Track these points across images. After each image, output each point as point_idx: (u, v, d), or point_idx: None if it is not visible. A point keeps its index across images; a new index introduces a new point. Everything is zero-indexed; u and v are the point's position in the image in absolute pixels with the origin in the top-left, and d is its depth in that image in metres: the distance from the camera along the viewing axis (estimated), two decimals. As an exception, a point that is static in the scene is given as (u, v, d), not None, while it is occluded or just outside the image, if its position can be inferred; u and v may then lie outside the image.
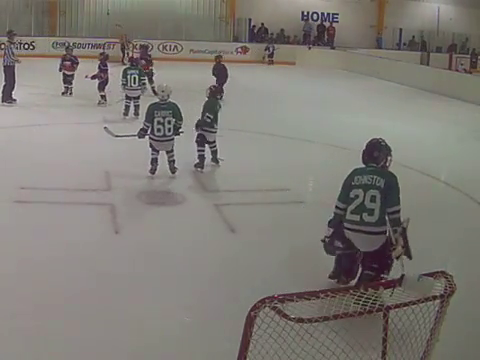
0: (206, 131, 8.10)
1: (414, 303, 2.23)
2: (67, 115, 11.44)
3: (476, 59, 24.88)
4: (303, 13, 26.46)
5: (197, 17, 25.10)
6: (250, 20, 25.80)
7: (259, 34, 25.67)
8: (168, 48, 23.84)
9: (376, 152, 4.73)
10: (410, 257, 4.42)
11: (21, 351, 3.74)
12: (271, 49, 24.48)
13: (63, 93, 13.07)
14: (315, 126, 11.55)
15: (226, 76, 13.94)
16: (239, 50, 24.95)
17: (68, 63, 12.91)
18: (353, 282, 4.61)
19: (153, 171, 7.59)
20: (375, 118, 12.84)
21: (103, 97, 12.46)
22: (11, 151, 8.48)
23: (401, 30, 26.65)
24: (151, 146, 7.56)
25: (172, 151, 7.63)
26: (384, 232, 4.47)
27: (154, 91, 12.16)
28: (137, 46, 19.60)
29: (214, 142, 8.26)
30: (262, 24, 25.53)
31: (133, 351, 3.86)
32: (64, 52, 13.91)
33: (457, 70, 22.10)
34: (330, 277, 4.79)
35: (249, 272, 5.08)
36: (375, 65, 21.38)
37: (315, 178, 8.64)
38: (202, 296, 4.61)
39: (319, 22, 26.52)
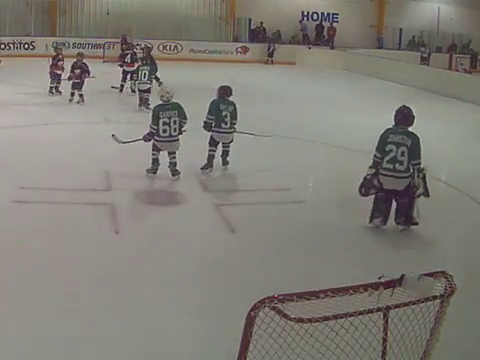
0: (215, 132, 7.97)
1: (414, 303, 2.22)
2: (67, 115, 11.44)
3: (476, 59, 24.88)
4: (303, 13, 26.48)
5: (197, 17, 25.11)
6: (250, 20, 25.81)
7: (259, 34, 25.64)
8: (168, 48, 23.84)
9: (408, 118, 6.11)
10: (428, 195, 6.07)
11: (21, 351, 3.74)
12: (271, 49, 24.49)
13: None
14: (315, 126, 11.56)
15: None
16: (239, 50, 24.97)
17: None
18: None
19: (155, 171, 7.58)
20: (375, 118, 12.78)
21: (81, 96, 12.45)
22: (11, 151, 8.48)
23: (401, 30, 26.66)
24: (155, 147, 7.55)
25: (175, 152, 7.61)
26: (409, 177, 5.98)
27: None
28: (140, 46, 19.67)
29: (229, 143, 8.08)
30: (261, 23, 25.52)
31: (133, 351, 3.86)
32: (55, 52, 13.73)
33: (457, 70, 22.10)
34: (370, 221, 6.25)
35: (249, 272, 5.08)
36: (375, 65, 21.38)
37: (315, 178, 8.64)
38: (202, 296, 4.61)
39: (318, 22, 26.52)
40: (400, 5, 26.49)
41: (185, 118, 7.62)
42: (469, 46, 26.70)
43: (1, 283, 4.61)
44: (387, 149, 5.98)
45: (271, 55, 24.53)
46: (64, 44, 21.99)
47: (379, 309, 2.19)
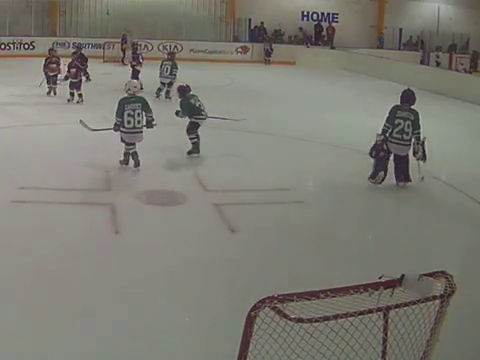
0: (198, 119, 8.82)
1: (414, 303, 2.22)
2: (67, 115, 11.43)
3: (476, 60, 24.84)
4: (303, 13, 26.46)
5: (197, 17, 25.09)
6: (250, 20, 25.79)
7: (259, 33, 25.63)
8: (168, 48, 23.81)
9: (411, 98, 7.70)
10: (425, 160, 7.66)
11: (21, 351, 3.74)
12: (267, 48, 24.49)
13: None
14: (315, 126, 11.55)
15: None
16: (239, 50, 24.96)
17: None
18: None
19: (127, 162, 7.92)
20: (375, 118, 12.75)
21: (80, 96, 12.49)
22: (11, 151, 8.48)
23: (401, 30, 26.64)
24: (122, 140, 7.90)
25: (134, 144, 7.90)
26: (411, 144, 7.56)
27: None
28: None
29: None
30: (261, 23, 25.51)
31: (133, 351, 3.86)
32: (48, 53, 13.66)
33: (457, 70, 22.09)
34: (370, 178, 7.64)
35: (249, 272, 5.08)
36: (375, 65, 21.37)
37: (315, 178, 8.63)
38: (202, 296, 4.61)
39: (318, 22, 26.49)
40: (400, 5, 26.46)
41: (150, 112, 8.01)
42: (468, 46, 26.64)
43: (1, 283, 4.61)
44: (396, 122, 7.51)
45: (268, 55, 24.50)
46: (64, 44, 22.03)
47: (379, 309, 2.18)
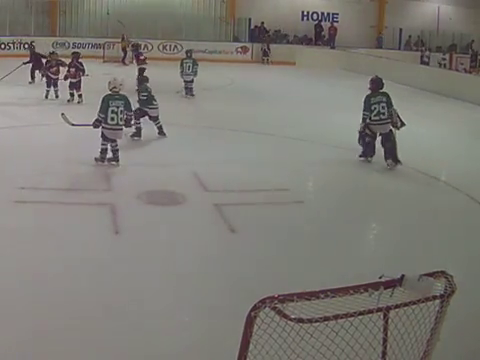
0: (148, 108, 9.63)
1: (414, 303, 2.22)
2: (67, 115, 11.41)
3: (476, 59, 24.83)
4: (303, 13, 26.46)
5: (197, 17, 25.11)
6: (250, 20, 25.79)
7: (259, 33, 25.63)
8: (168, 48, 23.85)
9: (380, 84, 8.84)
10: (404, 124, 8.71)
11: (21, 351, 3.74)
12: (264, 48, 24.48)
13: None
14: (315, 126, 11.55)
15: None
16: (239, 50, 24.96)
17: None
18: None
19: (103, 160, 8.03)
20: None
21: (80, 96, 12.47)
22: (11, 151, 8.48)
23: (401, 30, 26.65)
24: (103, 136, 7.98)
25: (116, 141, 8.06)
26: (390, 122, 8.60)
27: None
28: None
29: (158, 117, 9.72)
30: (262, 23, 25.51)
31: (133, 351, 3.85)
32: (49, 57, 13.62)
33: (457, 70, 22.08)
34: (360, 156, 8.89)
35: (249, 272, 5.08)
36: (375, 65, 21.35)
37: (315, 178, 8.63)
38: (202, 296, 4.61)
39: (318, 22, 26.49)
40: (400, 5, 26.46)
41: (130, 111, 8.22)
42: (472, 46, 26.57)
43: (1, 283, 4.61)
44: (372, 108, 8.63)
45: (266, 55, 24.48)
46: (64, 44, 22.04)
47: (379, 309, 2.18)
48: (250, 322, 2.05)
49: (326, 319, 2.07)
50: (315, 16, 26.63)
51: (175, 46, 23.86)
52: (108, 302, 4.45)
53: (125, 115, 8.04)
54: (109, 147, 8.03)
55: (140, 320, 4.20)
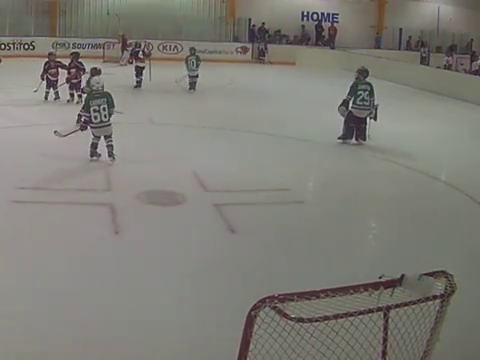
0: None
1: (414, 303, 2.22)
2: (67, 115, 11.42)
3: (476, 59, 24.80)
4: (303, 13, 26.45)
5: (197, 17, 25.09)
6: (250, 20, 25.79)
7: (257, 33, 25.61)
8: (168, 48, 23.83)
9: (366, 74, 10.09)
10: (376, 119, 9.99)
11: (21, 351, 3.74)
12: (260, 48, 24.46)
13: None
14: (315, 126, 11.55)
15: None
16: (239, 50, 24.95)
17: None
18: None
19: (92, 154, 8.22)
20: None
21: (80, 97, 12.38)
22: (11, 151, 8.48)
23: (401, 30, 26.65)
24: (93, 134, 8.24)
25: (110, 136, 8.18)
26: (369, 108, 9.85)
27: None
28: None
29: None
30: (263, 24, 25.50)
31: (133, 351, 3.85)
32: (47, 58, 13.55)
33: (457, 70, 22.07)
34: (339, 138, 10.02)
35: (249, 272, 5.08)
36: (375, 65, 21.33)
37: (315, 178, 8.64)
38: (202, 296, 4.61)
39: (318, 22, 26.49)
40: (400, 5, 26.45)
41: (113, 106, 8.30)
42: (471, 47, 26.54)
43: (1, 283, 4.61)
44: (358, 93, 9.80)
45: (263, 55, 24.44)
46: (64, 44, 22.02)
47: (379, 309, 2.18)
48: (250, 322, 2.05)
49: (326, 318, 2.08)
50: (315, 16, 26.63)
51: (175, 46, 23.85)
52: (108, 302, 4.45)
53: (111, 111, 8.23)
54: (104, 143, 8.19)
55: (140, 320, 4.20)
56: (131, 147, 8.81)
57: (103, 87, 8.34)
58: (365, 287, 2.15)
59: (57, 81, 13.02)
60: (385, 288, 2.19)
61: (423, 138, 11.02)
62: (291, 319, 2.04)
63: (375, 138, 10.05)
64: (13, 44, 22.02)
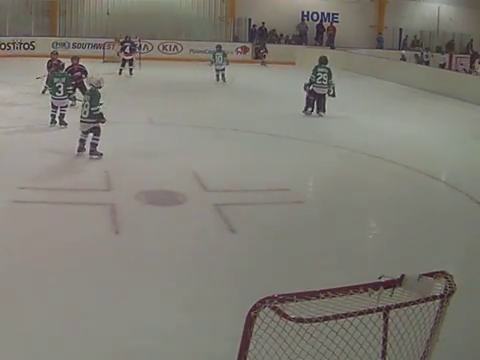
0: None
1: (414, 303, 2.22)
2: (67, 115, 11.43)
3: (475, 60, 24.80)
4: (303, 13, 26.45)
5: (197, 17, 25.08)
6: (250, 20, 25.79)
7: (255, 33, 25.60)
8: (168, 48, 23.83)
9: (326, 60, 12.70)
10: (334, 96, 12.58)
11: (21, 351, 3.74)
12: (258, 48, 24.44)
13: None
14: (315, 126, 11.56)
15: None
16: (239, 50, 24.95)
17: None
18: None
19: (79, 149, 8.39)
20: (375, 118, 12.85)
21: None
22: (11, 151, 8.48)
23: (401, 30, 26.64)
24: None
25: (94, 133, 8.31)
26: (327, 86, 12.53)
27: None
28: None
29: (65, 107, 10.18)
30: (263, 23, 25.49)
31: (133, 351, 3.85)
32: (50, 57, 13.55)
33: (457, 70, 22.07)
34: (303, 111, 12.46)
35: (249, 272, 5.08)
36: (375, 65, 21.36)
37: (315, 178, 8.64)
38: (202, 296, 4.61)
39: (318, 22, 26.49)
40: (400, 5, 26.45)
41: (95, 105, 8.39)
42: (471, 47, 26.53)
43: (1, 283, 4.61)
44: (318, 75, 12.45)
45: (261, 55, 24.40)
46: (64, 44, 22.01)
47: (379, 309, 2.18)
48: (250, 322, 2.05)
49: (326, 319, 2.07)
50: (315, 16, 26.62)
51: (175, 46, 23.86)
52: (108, 302, 4.45)
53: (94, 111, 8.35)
54: (92, 140, 8.35)
55: (140, 320, 4.20)
56: (131, 147, 8.81)
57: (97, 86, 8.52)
58: (365, 287, 2.15)
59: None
60: (385, 288, 2.19)
61: (423, 138, 11.02)
62: (291, 319, 2.03)
63: (375, 138, 10.06)
64: (13, 44, 22.02)
